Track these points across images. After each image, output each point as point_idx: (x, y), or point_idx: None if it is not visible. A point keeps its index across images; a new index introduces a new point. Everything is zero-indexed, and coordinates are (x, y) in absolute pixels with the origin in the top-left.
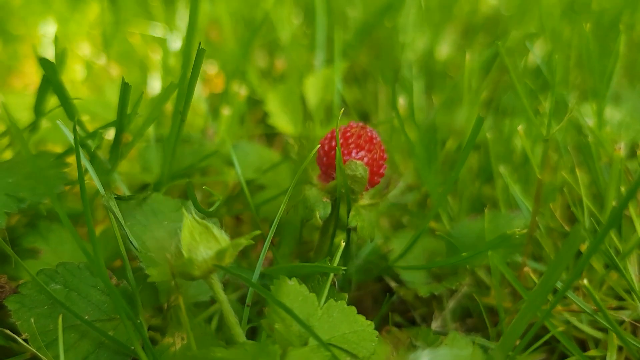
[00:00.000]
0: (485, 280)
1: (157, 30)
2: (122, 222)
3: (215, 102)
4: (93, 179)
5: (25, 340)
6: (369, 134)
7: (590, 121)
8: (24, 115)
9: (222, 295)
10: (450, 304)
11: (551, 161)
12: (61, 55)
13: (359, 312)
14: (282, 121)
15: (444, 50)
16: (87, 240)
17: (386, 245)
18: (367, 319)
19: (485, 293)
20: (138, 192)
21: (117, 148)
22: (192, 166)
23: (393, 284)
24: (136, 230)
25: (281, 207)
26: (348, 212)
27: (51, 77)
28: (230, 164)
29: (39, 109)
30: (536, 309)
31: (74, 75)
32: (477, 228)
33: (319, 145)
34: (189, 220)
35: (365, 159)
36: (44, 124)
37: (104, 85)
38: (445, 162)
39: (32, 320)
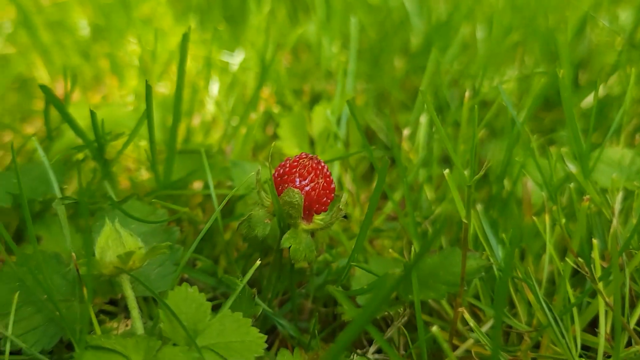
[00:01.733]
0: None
1: (223, 54)
2: (65, 224)
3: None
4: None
5: None
6: (315, 165)
7: (573, 167)
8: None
9: (129, 292)
10: (388, 333)
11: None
12: (73, 79)
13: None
14: (290, 145)
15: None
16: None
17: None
18: None
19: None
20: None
21: (100, 161)
22: (182, 180)
23: (341, 307)
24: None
25: (210, 220)
26: (281, 235)
27: (51, 99)
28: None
29: (47, 123)
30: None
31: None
32: (431, 263)
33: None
34: (108, 227)
35: (307, 188)
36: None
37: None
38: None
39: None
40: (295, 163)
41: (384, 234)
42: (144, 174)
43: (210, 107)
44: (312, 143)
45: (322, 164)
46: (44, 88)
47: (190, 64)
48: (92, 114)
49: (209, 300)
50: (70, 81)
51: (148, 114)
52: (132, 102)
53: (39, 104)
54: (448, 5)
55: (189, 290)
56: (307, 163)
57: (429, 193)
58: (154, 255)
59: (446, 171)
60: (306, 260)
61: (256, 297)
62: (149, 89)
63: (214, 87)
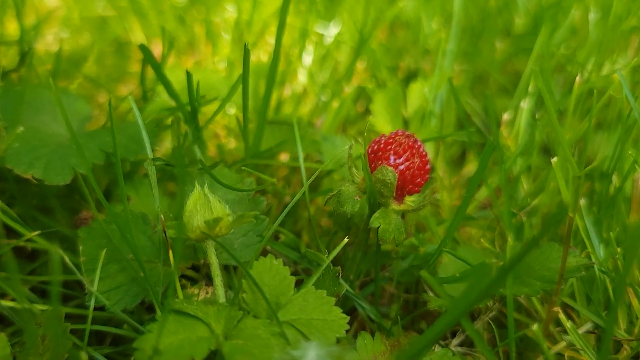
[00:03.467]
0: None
1: (319, 26)
2: (154, 184)
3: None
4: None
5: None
6: (411, 143)
7: None
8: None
9: (213, 258)
10: (477, 325)
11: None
12: (170, 42)
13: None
14: (383, 121)
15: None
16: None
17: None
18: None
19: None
20: (213, 165)
21: (192, 125)
22: (270, 150)
23: (427, 295)
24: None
25: (297, 194)
26: (370, 214)
27: (148, 59)
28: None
29: (143, 83)
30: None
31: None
32: (529, 257)
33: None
34: (197, 192)
35: (402, 167)
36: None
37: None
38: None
39: (81, 247)
40: (391, 140)
41: (474, 223)
42: (232, 142)
43: (302, 78)
44: (404, 121)
45: (419, 143)
46: (142, 47)
47: (284, 35)
48: (189, 76)
49: (291, 275)
50: (167, 44)
51: (244, 79)
52: (224, 69)
53: (134, 67)
54: None
55: (274, 262)
56: (403, 141)
57: (526, 184)
58: (240, 224)
59: (554, 159)
60: (394, 242)
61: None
62: (246, 53)
63: (308, 59)
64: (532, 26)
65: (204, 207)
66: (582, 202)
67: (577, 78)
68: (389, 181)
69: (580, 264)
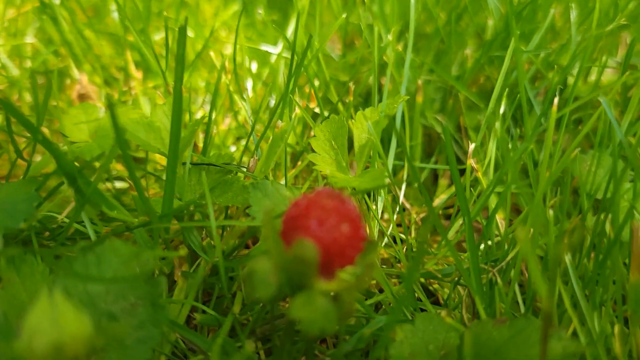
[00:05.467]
0: None
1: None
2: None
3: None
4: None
5: None
6: (337, 204)
7: None
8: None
9: None
10: None
11: None
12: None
13: None
14: (326, 160)
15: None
16: None
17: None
18: None
19: None
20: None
21: (79, 191)
22: (180, 209)
23: None
24: (67, 284)
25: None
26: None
27: (14, 115)
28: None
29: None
30: None
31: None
32: (499, 338)
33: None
34: (43, 302)
35: (326, 237)
36: None
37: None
38: None
39: None
40: (312, 202)
41: (437, 280)
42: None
43: (242, 105)
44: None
45: (348, 204)
46: (4, 103)
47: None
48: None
49: None
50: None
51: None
52: (158, 97)
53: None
54: None
55: None
56: (326, 203)
57: (501, 227)
58: (113, 336)
59: (520, 232)
60: (323, 334)
61: None
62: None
63: (249, 83)
64: (505, 29)
65: (52, 322)
66: (567, 258)
67: (555, 100)
68: (309, 259)
69: (567, 351)
